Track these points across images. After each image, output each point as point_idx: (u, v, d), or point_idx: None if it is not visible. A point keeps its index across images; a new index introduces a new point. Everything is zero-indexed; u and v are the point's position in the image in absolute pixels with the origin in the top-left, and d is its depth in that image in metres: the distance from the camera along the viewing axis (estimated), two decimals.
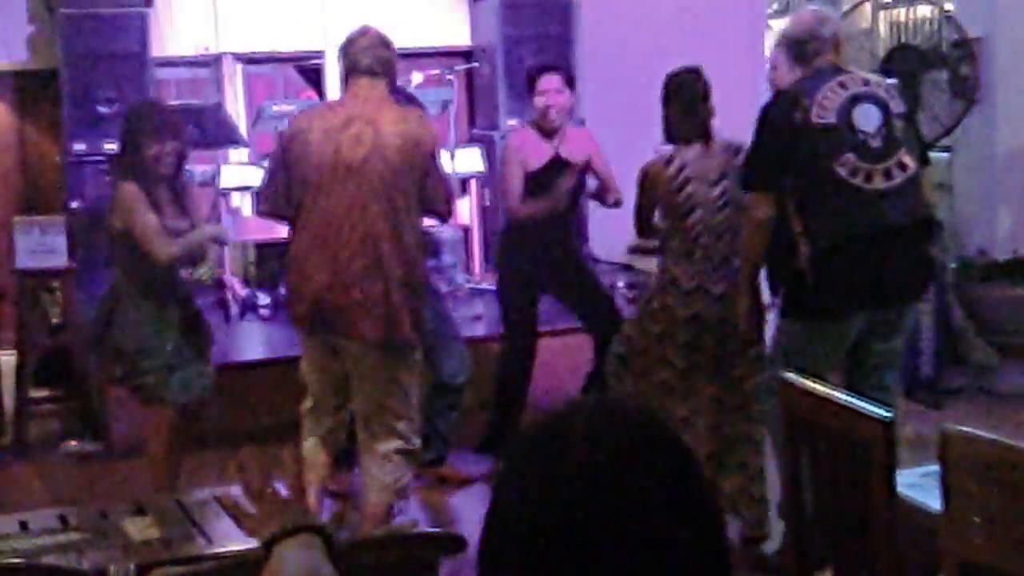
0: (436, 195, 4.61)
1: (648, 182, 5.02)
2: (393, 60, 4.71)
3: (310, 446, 4.71)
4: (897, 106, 4.47)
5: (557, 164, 5.80)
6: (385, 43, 4.69)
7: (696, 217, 4.93)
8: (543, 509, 1.20)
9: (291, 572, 1.62)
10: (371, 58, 4.61)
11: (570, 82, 5.93)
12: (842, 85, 4.43)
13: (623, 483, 1.20)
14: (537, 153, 5.80)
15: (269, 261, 8.42)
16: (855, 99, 4.41)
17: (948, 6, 7.51)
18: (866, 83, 4.49)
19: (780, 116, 4.46)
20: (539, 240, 5.85)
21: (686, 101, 5.02)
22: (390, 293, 4.47)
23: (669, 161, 4.98)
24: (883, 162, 4.36)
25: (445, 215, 4.78)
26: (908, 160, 4.40)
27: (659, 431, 1.26)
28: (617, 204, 5.92)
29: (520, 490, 1.24)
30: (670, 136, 5.07)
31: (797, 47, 4.57)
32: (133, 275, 5.07)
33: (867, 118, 4.39)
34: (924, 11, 7.60)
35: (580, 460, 1.21)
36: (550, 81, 5.83)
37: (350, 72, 4.66)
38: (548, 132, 5.83)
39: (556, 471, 1.22)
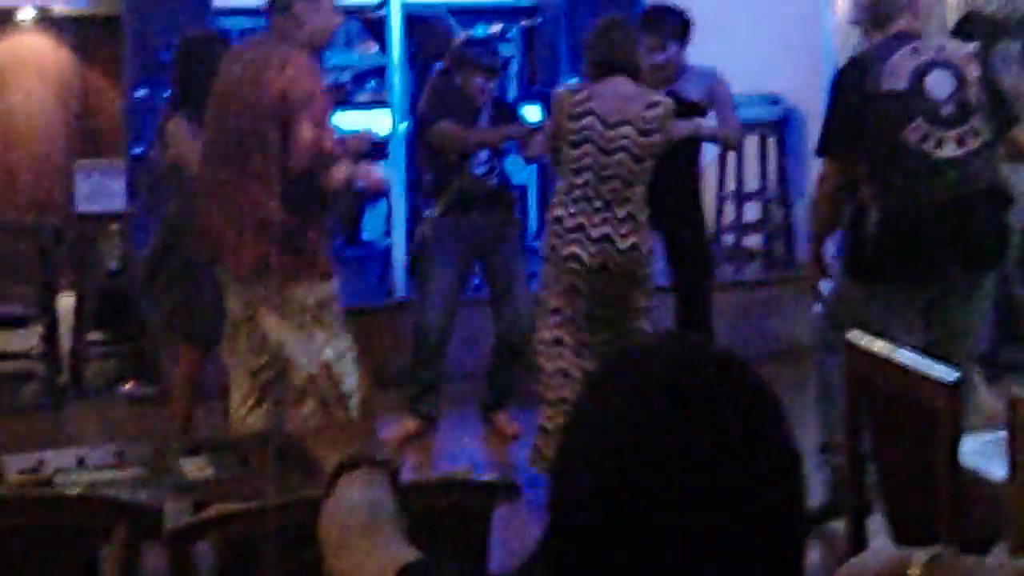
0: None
1: (554, 106, 5.00)
2: None
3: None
4: (973, 71, 4.38)
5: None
6: None
7: (582, 151, 4.87)
8: (620, 446, 1.18)
9: (355, 504, 1.60)
10: None
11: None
12: (915, 51, 4.36)
13: (703, 419, 1.17)
14: None
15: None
16: (928, 65, 4.34)
17: None
18: (941, 49, 4.41)
19: (850, 84, 4.43)
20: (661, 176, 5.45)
21: (609, 42, 4.97)
22: None
23: (578, 90, 4.95)
24: (955, 128, 4.29)
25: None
26: (982, 126, 4.32)
27: (741, 369, 1.23)
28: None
29: (596, 426, 1.21)
30: (591, 72, 5.02)
31: (872, 12, 4.53)
32: (186, 207, 5.08)
33: (940, 85, 4.32)
34: None
35: (659, 395, 1.19)
36: (651, 38, 5.66)
37: None
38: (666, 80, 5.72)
39: (634, 406, 1.19)
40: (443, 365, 5.84)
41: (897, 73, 4.34)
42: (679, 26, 5.81)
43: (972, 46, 4.62)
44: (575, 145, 4.88)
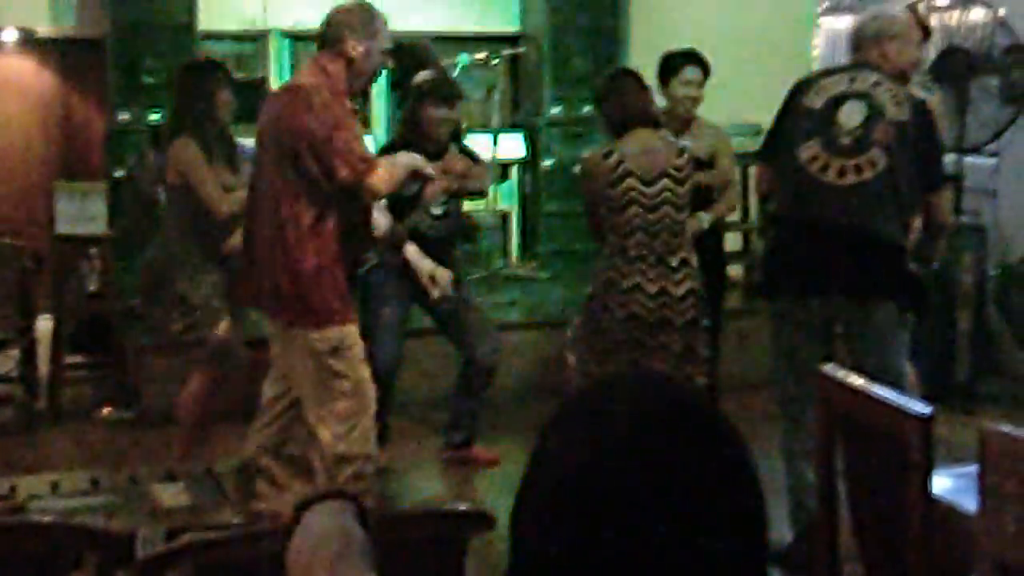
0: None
1: (586, 175, 5.00)
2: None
3: None
4: (896, 113, 4.39)
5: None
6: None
7: (630, 214, 4.88)
8: (582, 482, 1.18)
9: (322, 536, 1.60)
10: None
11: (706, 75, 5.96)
12: (851, 80, 4.48)
13: (664, 456, 1.18)
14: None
15: None
16: (849, 95, 4.44)
17: (1001, 11, 7.42)
18: (876, 84, 4.45)
19: (789, 96, 4.65)
20: None
21: (621, 94, 5.00)
22: None
23: (608, 154, 4.94)
24: (846, 159, 4.37)
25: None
26: (870, 167, 4.35)
27: (701, 406, 1.24)
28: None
29: (558, 463, 1.22)
30: (611, 129, 5.03)
31: (850, 41, 4.71)
32: (188, 230, 5.12)
33: (851, 115, 4.41)
34: (977, 15, 7.51)
35: (621, 432, 1.19)
36: (695, 72, 5.85)
37: None
38: (681, 125, 5.85)
39: (597, 443, 1.19)
40: (393, 397, 5.80)
41: (820, 94, 4.49)
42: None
43: (925, 94, 4.71)
44: (621, 210, 4.88)
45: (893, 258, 4.45)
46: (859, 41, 4.61)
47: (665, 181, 4.88)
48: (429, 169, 4.61)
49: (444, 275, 5.34)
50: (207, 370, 5.22)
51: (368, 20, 4.42)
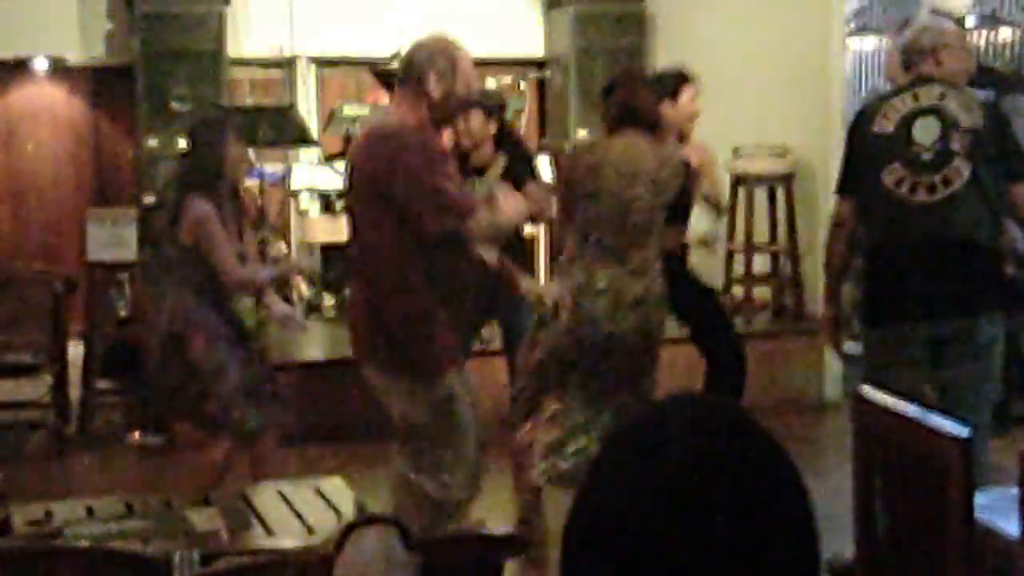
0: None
1: (568, 161, 4.98)
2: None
3: None
4: (969, 121, 4.39)
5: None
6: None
7: (597, 206, 4.82)
8: (633, 510, 1.17)
9: (367, 560, 1.60)
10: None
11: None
12: (915, 97, 4.45)
13: (719, 485, 1.17)
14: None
15: (335, 263, 8.46)
16: (920, 111, 4.42)
17: None
18: (942, 97, 4.44)
19: (854, 125, 4.64)
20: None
21: (626, 91, 4.96)
22: None
23: (592, 146, 4.93)
24: (931, 175, 4.35)
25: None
26: (957, 177, 4.34)
27: (757, 432, 1.22)
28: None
29: (610, 489, 1.21)
30: (607, 123, 4.99)
31: (902, 57, 4.67)
32: (202, 293, 5.00)
33: (925, 131, 4.39)
34: (1005, 33, 7.49)
35: (676, 460, 1.18)
36: (694, 91, 5.89)
37: None
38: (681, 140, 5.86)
39: (650, 471, 1.18)
40: None
41: (889, 116, 4.46)
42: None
43: (984, 95, 4.67)
44: (590, 200, 4.89)
45: (993, 265, 4.46)
46: (913, 56, 4.57)
47: (639, 188, 4.84)
48: (543, 208, 4.45)
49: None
50: (222, 444, 5.07)
51: (448, 55, 4.26)
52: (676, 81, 5.98)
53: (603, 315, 4.79)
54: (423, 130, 4.21)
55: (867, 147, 4.49)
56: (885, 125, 4.44)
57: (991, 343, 4.43)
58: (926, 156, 4.37)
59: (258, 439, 5.06)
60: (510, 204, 4.36)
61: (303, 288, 8.20)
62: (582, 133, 8.71)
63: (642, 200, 4.83)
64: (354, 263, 4.42)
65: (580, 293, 4.83)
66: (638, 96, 4.97)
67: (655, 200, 4.85)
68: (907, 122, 4.41)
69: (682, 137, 5.91)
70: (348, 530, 1.66)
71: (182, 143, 7.70)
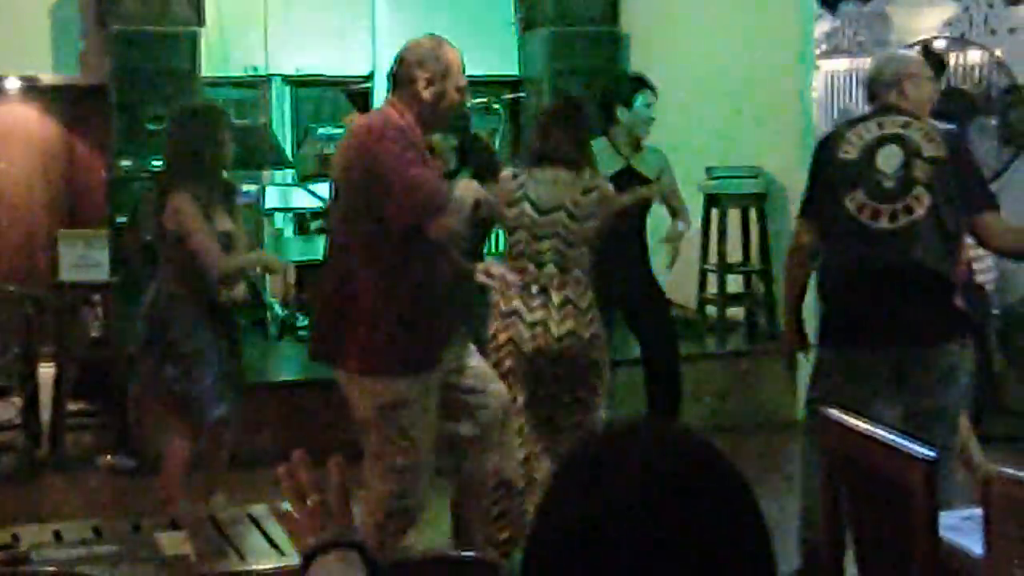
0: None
1: (497, 192, 5.02)
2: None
3: None
4: (932, 150, 4.42)
5: (627, 176, 5.93)
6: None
7: (517, 237, 4.94)
8: (590, 535, 1.18)
9: None
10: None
11: None
12: (880, 125, 4.50)
13: (676, 511, 1.18)
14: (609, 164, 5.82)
15: (309, 283, 8.45)
16: (884, 139, 4.46)
17: (998, 52, 7.47)
18: (906, 125, 4.48)
19: (819, 150, 4.70)
20: (611, 255, 5.55)
21: (542, 131, 5.06)
22: None
23: (515, 176, 5.01)
24: (893, 203, 4.39)
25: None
26: (918, 205, 4.37)
27: (715, 458, 1.23)
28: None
29: (567, 511, 1.22)
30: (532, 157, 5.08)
31: (867, 88, 4.74)
32: (185, 280, 5.05)
33: (889, 159, 4.42)
34: (974, 56, 7.55)
35: (633, 484, 1.19)
36: (652, 96, 6.03)
37: None
38: (635, 145, 6.00)
39: (607, 495, 1.19)
40: None
41: (853, 143, 4.51)
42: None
43: (950, 126, 4.70)
44: (511, 232, 4.96)
45: (946, 294, 4.48)
46: (878, 86, 4.64)
47: (559, 214, 4.89)
48: (487, 194, 4.45)
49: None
50: (186, 422, 5.15)
51: (440, 58, 4.26)
52: (631, 87, 6.05)
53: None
54: (406, 127, 4.18)
55: (831, 173, 4.53)
56: (849, 152, 4.49)
57: (952, 369, 4.45)
58: (888, 184, 4.41)
59: (222, 427, 5.16)
60: (462, 184, 4.37)
61: (277, 308, 8.19)
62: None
63: (560, 233, 4.88)
64: (329, 258, 4.40)
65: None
66: (549, 139, 4.99)
67: (575, 230, 4.89)
68: (871, 149, 4.46)
69: (636, 144, 5.98)
70: (311, 555, 1.66)
71: (155, 163, 7.72)
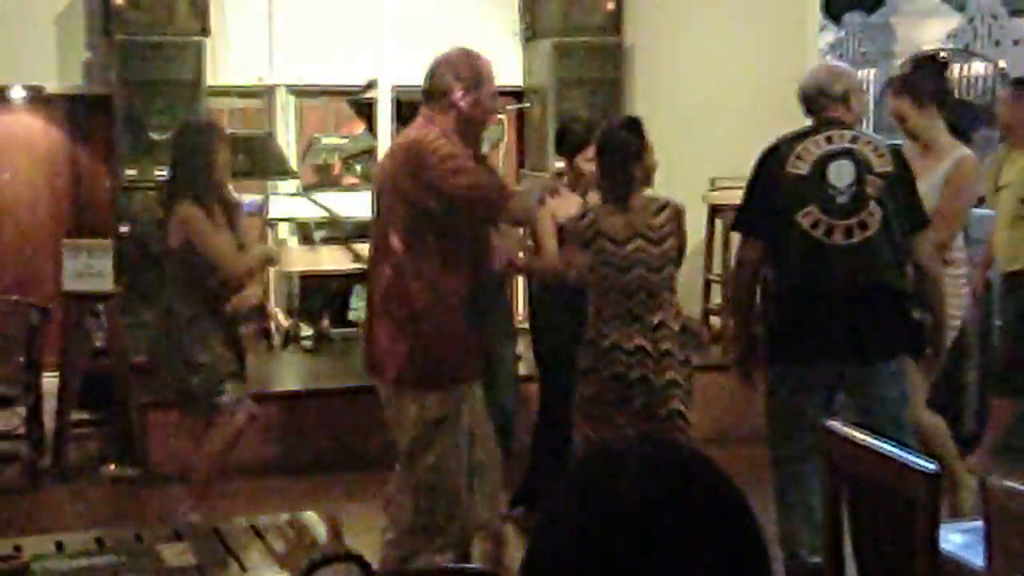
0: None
1: (565, 237, 4.98)
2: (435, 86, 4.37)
3: None
4: (880, 165, 4.43)
5: None
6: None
7: (604, 273, 4.79)
8: (588, 550, 1.18)
9: None
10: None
11: None
12: (828, 140, 4.50)
13: (673, 525, 1.18)
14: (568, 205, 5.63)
15: (313, 293, 8.45)
16: (833, 154, 4.45)
17: (1002, 63, 7.48)
18: (854, 140, 4.49)
19: (761, 165, 4.60)
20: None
21: (611, 158, 4.83)
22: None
23: (582, 216, 4.89)
24: (846, 219, 4.39)
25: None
26: (872, 220, 4.37)
27: (712, 473, 1.24)
28: None
29: (565, 528, 1.22)
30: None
31: (807, 101, 4.67)
32: (191, 291, 5.15)
33: (840, 174, 4.42)
34: (978, 68, 7.56)
35: (630, 500, 1.19)
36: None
37: None
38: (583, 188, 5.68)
39: (604, 511, 1.20)
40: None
41: (803, 158, 4.48)
42: None
43: (897, 143, 4.75)
44: (592, 269, 4.82)
45: (903, 308, 4.49)
46: (825, 100, 4.59)
47: (639, 241, 4.77)
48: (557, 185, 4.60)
49: None
50: (220, 428, 5.25)
51: (473, 66, 4.30)
52: (579, 141, 5.62)
53: None
54: (444, 136, 4.23)
55: (781, 188, 4.47)
56: (800, 166, 4.46)
57: (895, 386, 4.47)
58: (841, 199, 4.41)
59: (229, 415, 5.24)
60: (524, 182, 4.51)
61: (281, 318, 8.19)
62: (560, 164, 8.73)
63: (643, 259, 4.81)
64: (374, 278, 4.42)
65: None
66: (604, 177, 4.87)
67: (656, 253, 4.80)
68: (822, 164, 4.43)
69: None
70: (310, 569, 1.66)
71: (160, 173, 7.73)
